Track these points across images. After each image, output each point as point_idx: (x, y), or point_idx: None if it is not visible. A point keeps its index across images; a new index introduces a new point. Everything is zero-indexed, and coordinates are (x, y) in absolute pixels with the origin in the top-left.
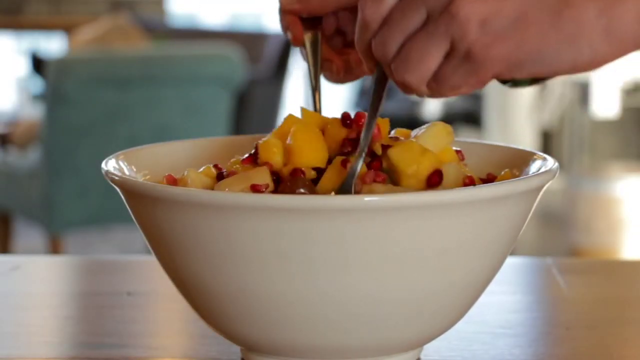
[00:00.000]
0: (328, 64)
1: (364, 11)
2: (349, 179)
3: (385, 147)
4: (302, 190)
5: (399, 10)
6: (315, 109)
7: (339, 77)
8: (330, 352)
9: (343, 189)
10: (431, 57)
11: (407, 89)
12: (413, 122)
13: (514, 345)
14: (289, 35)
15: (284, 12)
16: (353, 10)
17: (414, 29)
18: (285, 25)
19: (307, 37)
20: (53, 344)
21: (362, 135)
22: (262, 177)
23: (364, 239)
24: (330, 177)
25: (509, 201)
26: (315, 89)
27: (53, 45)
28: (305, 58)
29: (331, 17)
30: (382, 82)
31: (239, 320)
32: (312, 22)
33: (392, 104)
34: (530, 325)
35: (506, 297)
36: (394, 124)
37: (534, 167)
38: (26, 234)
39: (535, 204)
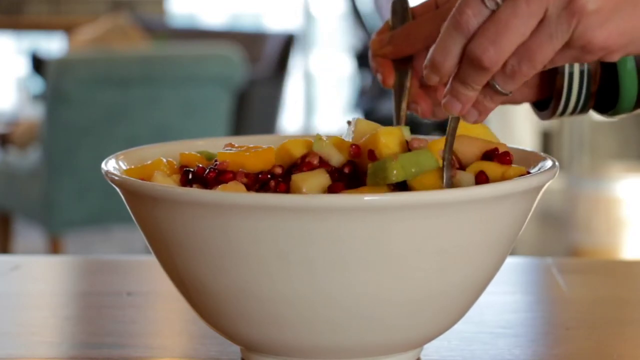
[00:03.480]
0: (414, 106)
1: (463, 12)
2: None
3: None
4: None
5: (510, 12)
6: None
7: (429, 116)
8: (330, 352)
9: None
10: (549, 51)
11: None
12: (413, 122)
13: (514, 345)
14: (379, 77)
15: (374, 55)
16: None
17: (530, 30)
18: (375, 68)
19: (396, 78)
20: (53, 344)
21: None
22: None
23: (364, 239)
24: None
25: (509, 201)
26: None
27: (53, 45)
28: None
29: (422, 55)
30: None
31: (239, 320)
32: (402, 62)
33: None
34: (530, 325)
35: (506, 297)
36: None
37: (534, 167)
38: (26, 234)
39: (535, 204)
